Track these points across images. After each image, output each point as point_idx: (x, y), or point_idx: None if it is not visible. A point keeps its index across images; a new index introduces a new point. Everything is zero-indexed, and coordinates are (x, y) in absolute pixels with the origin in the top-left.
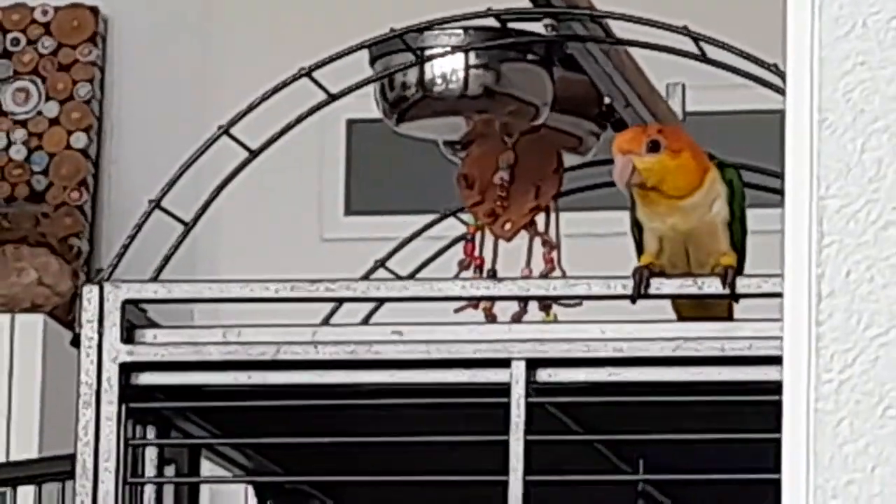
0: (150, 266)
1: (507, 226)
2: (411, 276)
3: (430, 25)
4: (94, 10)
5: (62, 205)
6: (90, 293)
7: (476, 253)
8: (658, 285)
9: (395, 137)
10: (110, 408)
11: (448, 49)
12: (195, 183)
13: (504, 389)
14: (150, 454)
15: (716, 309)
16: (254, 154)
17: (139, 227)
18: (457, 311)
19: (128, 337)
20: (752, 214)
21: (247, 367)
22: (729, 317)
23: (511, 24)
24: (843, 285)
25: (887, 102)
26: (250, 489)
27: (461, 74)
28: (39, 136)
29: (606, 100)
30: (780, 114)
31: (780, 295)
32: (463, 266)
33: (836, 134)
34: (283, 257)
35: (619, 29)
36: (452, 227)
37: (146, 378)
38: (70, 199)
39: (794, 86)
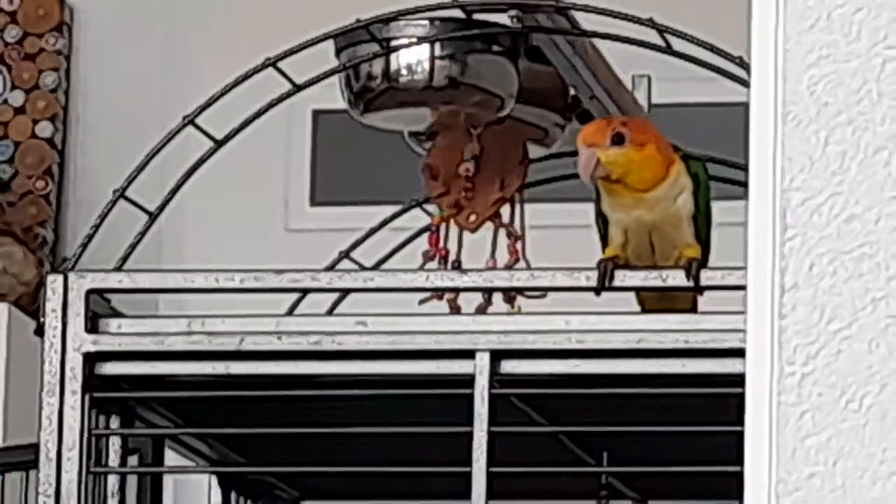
0: (115, 256)
1: (472, 217)
2: (376, 267)
3: (395, 16)
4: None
5: (27, 193)
6: (54, 282)
7: (441, 244)
8: (622, 277)
9: (360, 128)
10: (74, 397)
11: (413, 40)
12: (161, 173)
13: (468, 381)
14: (114, 444)
15: (680, 301)
16: (219, 144)
17: (103, 216)
18: (421, 302)
19: (92, 326)
20: (717, 207)
21: (211, 357)
22: (693, 309)
23: (477, 16)
24: (807, 278)
25: (851, 95)
26: (214, 479)
27: (426, 65)
28: (5, 125)
29: (572, 91)
30: (746, 106)
31: (744, 288)
32: (428, 257)
33: (799, 127)
34: (249, 247)
35: (585, 20)
36: (417, 219)
37: (110, 368)
38: (35, 189)
39: (759, 78)
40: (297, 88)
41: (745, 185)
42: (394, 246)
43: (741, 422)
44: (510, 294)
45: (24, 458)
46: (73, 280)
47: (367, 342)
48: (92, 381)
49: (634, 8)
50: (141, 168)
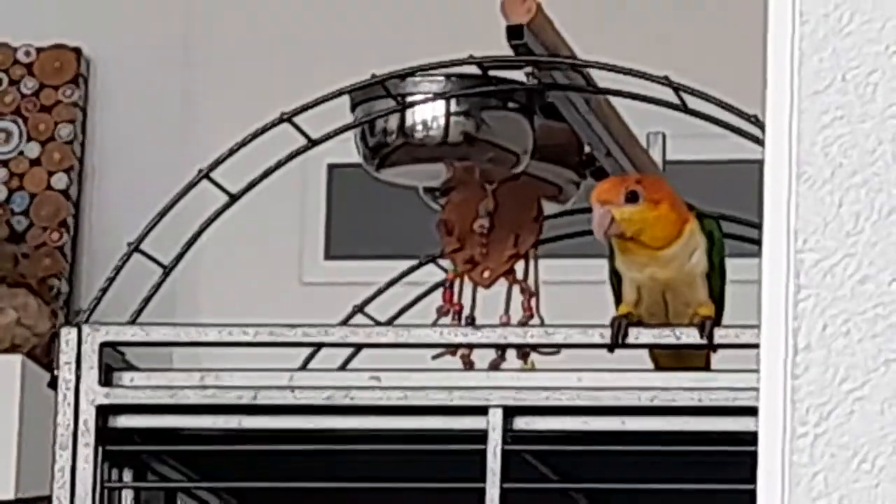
0: (129, 309)
1: (486, 273)
2: (389, 322)
3: (411, 72)
4: (77, 52)
5: (42, 245)
6: (68, 335)
7: (455, 299)
8: (636, 335)
9: (375, 183)
10: (87, 450)
11: (429, 96)
12: (175, 226)
13: (481, 437)
14: (127, 497)
15: (693, 359)
16: (234, 198)
17: (118, 269)
18: (435, 357)
19: (105, 379)
20: (730, 264)
21: (224, 411)
22: (706, 367)
23: (492, 72)
24: (820, 339)
25: (865, 156)
26: None
27: (442, 121)
28: (20, 177)
29: (587, 148)
30: (760, 164)
31: (757, 346)
32: (441, 312)
33: (814, 187)
34: (263, 301)
35: (601, 78)
36: (432, 274)
37: (123, 421)
38: (50, 240)
39: (773, 138)
40: (313, 143)
41: (758, 243)
42: (408, 301)
43: (753, 481)
44: (524, 350)
45: None
46: (87, 333)
47: (380, 397)
48: (105, 434)
49: (650, 66)
50: (156, 222)
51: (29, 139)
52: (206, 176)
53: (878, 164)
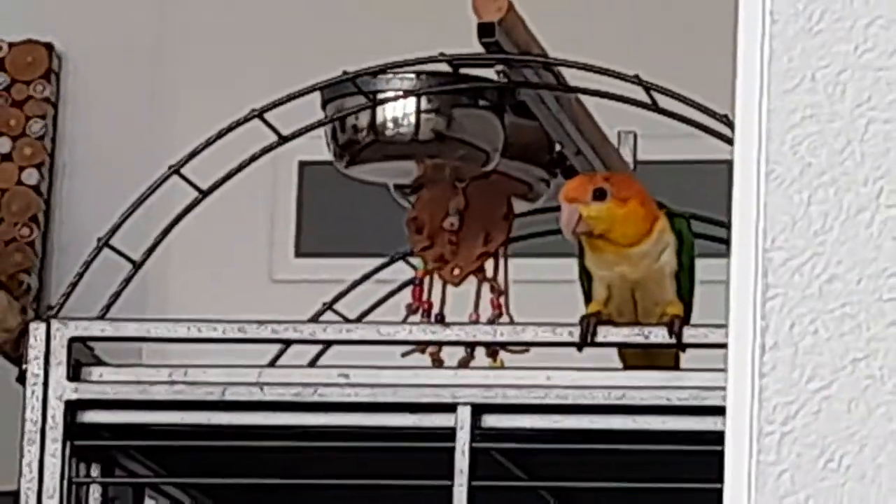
0: (99, 304)
1: (456, 271)
2: (359, 319)
3: (382, 69)
4: (49, 47)
5: (12, 241)
6: (37, 330)
7: (424, 297)
8: (605, 333)
9: (346, 180)
10: (55, 445)
11: (400, 93)
12: (146, 222)
13: (449, 434)
14: (94, 492)
15: (662, 358)
16: (204, 194)
17: (87, 265)
18: (404, 355)
19: (74, 374)
20: (701, 264)
21: (192, 406)
22: (675, 366)
23: (463, 70)
24: (787, 338)
25: (834, 156)
26: None
27: (413, 119)
28: None
29: (557, 147)
30: (730, 164)
31: (725, 346)
32: (411, 310)
33: (782, 186)
34: (233, 297)
35: (572, 76)
36: (401, 271)
37: (91, 416)
38: (20, 236)
39: (742, 137)
40: (283, 140)
41: (727, 242)
42: (377, 298)
43: (720, 480)
44: (493, 348)
45: None
46: (56, 328)
47: (349, 394)
48: (73, 429)
49: (621, 65)
50: (125, 217)
51: (0, 135)
52: (177, 172)
53: (846, 163)
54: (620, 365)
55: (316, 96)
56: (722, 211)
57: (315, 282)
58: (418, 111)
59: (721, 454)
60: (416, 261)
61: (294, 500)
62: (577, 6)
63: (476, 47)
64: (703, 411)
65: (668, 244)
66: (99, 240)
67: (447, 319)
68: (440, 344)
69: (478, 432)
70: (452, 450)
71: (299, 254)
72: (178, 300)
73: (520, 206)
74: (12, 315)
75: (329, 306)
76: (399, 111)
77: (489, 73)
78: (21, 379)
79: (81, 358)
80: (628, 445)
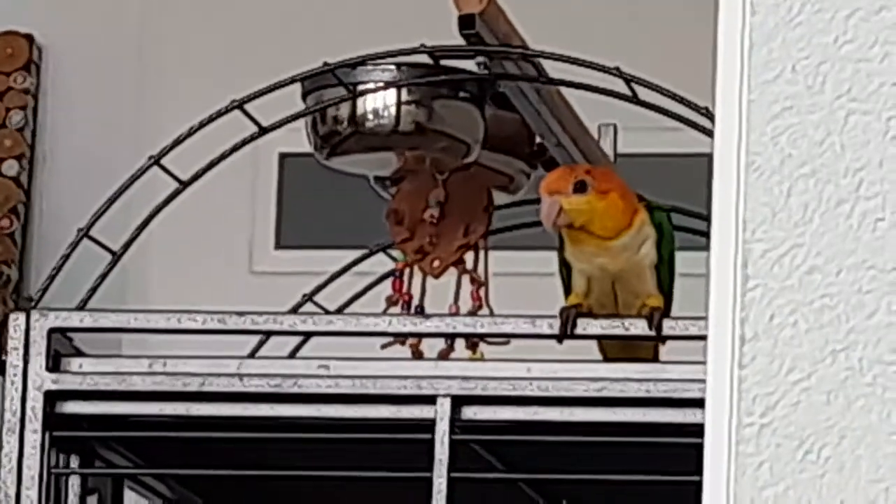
0: (79, 295)
1: (436, 263)
2: (339, 311)
3: (363, 60)
4: (30, 38)
5: None
6: (17, 321)
7: (404, 289)
8: (585, 325)
9: (326, 172)
10: (34, 436)
11: (380, 84)
12: (126, 213)
13: (429, 426)
14: (74, 483)
15: (642, 350)
16: (184, 185)
17: (67, 255)
18: (384, 346)
19: (53, 365)
20: (680, 257)
21: (172, 397)
22: (655, 358)
23: (444, 62)
24: (767, 329)
25: (814, 147)
26: None
27: (393, 110)
28: None
29: (538, 139)
30: (710, 157)
31: (705, 338)
32: (391, 302)
33: (763, 177)
34: (213, 289)
35: (552, 69)
36: (381, 263)
37: (71, 407)
38: (0, 227)
39: (723, 128)
40: (263, 131)
41: (707, 236)
42: (357, 290)
43: (700, 471)
44: (472, 340)
45: None
46: (36, 318)
47: (329, 386)
48: (52, 420)
49: (601, 57)
50: (105, 208)
51: None
52: (157, 163)
53: (826, 154)
54: (600, 357)
55: (296, 88)
56: (702, 204)
57: (295, 273)
58: (399, 103)
59: (701, 446)
60: (396, 253)
61: (273, 490)
62: None
63: (457, 39)
64: (683, 403)
65: (648, 237)
66: (79, 231)
67: (427, 311)
68: (420, 336)
69: (457, 424)
70: (432, 441)
71: (279, 245)
72: (157, 291)
73: (500, 198)
74: None
75: (309, 298)
76: (379, 103)
77: (470, 64)
78: (0, 369)
79: (61, 349)
80: (608, 437)
